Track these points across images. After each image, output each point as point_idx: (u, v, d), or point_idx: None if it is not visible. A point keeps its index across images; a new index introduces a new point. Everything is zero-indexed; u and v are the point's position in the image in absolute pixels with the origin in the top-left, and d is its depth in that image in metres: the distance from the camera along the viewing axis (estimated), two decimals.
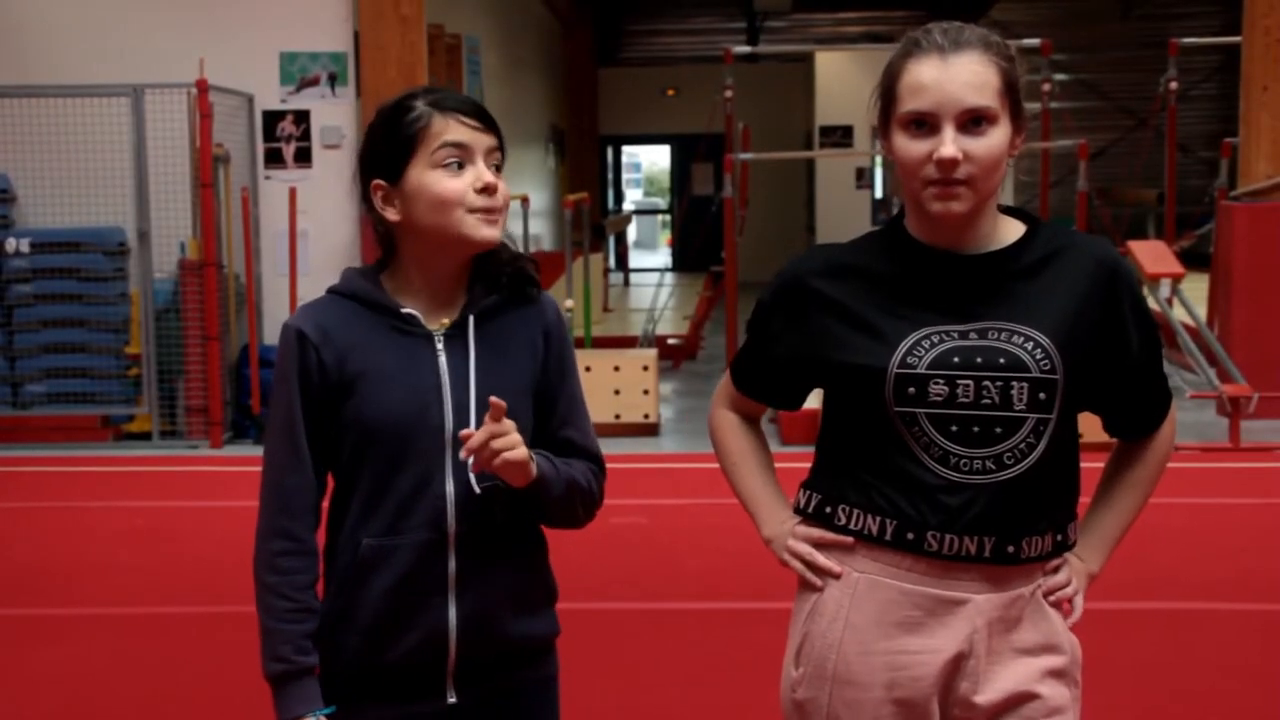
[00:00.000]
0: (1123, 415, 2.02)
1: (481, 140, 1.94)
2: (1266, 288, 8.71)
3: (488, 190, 1.92)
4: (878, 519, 1.92)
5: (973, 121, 1.84)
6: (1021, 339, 1.87)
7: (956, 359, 1.87)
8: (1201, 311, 9.69)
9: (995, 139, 1.85)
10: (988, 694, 1.92)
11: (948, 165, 1.84)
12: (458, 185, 1.92)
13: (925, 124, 1.86)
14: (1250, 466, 7.47)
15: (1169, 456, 2.07)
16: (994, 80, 1.86)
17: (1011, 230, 1.96)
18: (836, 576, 1.95)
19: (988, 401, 1.86)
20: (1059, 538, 1.96)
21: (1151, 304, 9.39)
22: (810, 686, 1.98)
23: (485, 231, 1.93)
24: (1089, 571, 2.02)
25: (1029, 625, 1.94)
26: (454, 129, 1.93)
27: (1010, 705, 1.93)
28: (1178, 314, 9.40)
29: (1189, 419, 8.60)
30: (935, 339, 1.89)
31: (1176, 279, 9.20)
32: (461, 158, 1.93)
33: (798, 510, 2.04)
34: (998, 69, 1.86)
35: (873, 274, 1.95)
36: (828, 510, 1.97)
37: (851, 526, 1.94)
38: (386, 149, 1.96)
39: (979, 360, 1.87)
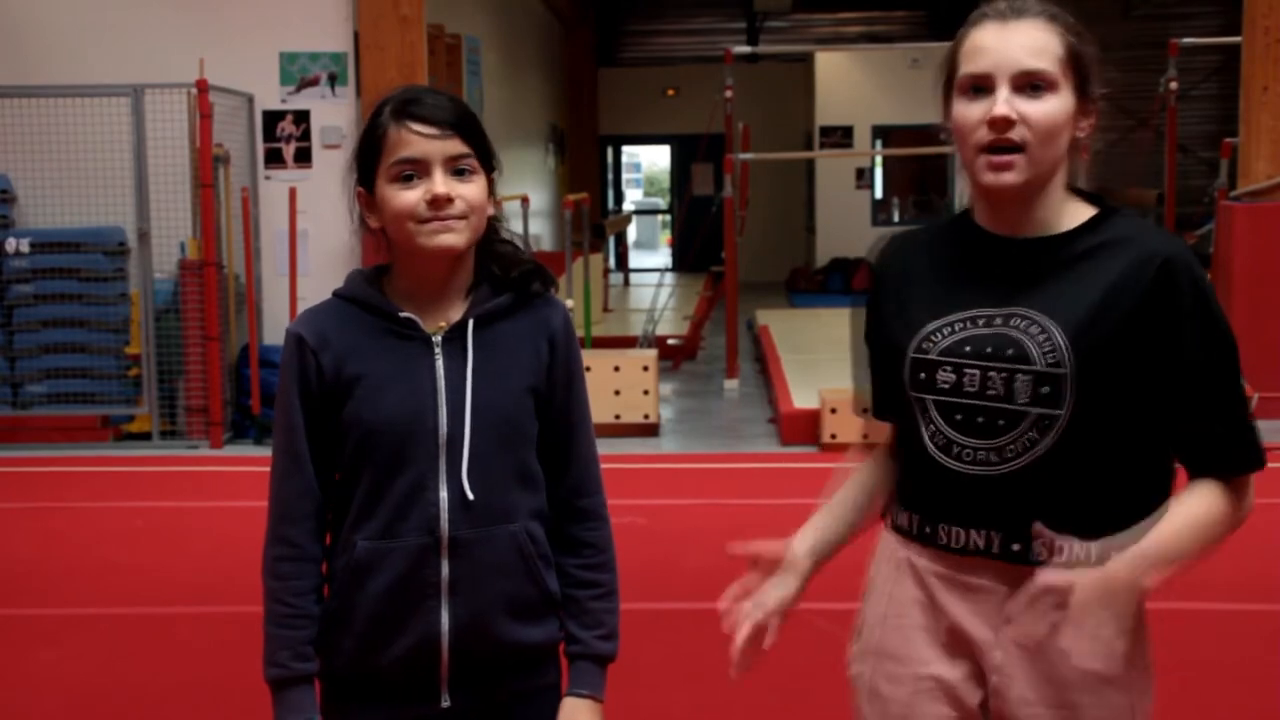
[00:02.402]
0: (1182, 432, 1.83)
1: (438, 149, 1.91)
2: (1266, 288, 8.71)
3: (436, 202, 1.90)
4: (906, 514, 1.96)
5: (1030, 86, 1.81)
6: (1036, 329, 1.82)
7: (969, 347, 1.85)
8: None
9: (1053, 106, 1.81)
10: (1019, 690, 1.87)
11: (1000, 124, 1.80)
12: (409, 199, 1.91)
13: (983, 88, 1.83)
14: None
15: (1238, 517, 1.83)
16: (1055, 48, 1.82)
17: (1079, 217, 1.89)
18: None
19: (993, 392, 1.83)
20: None
21: None
22: (859, 661, 2.01)
23: (440, 240, 1.91)
24: (1111, 574, 1.72)
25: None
26: (406, 142, 1.91)
27: (1045, 708, 1.86)
28: None
29: None
30: (959, 325, 1.87)
31: None
32: (414, 170, 1.91)
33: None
34: (1061, 39, 1.83)
35: (929, 257, 1.95)
36: (892, 509, 2.00)
37: (897, 523, 1.98)
38: (360, 158, 1.97)
39: (989, 350, 1.84)
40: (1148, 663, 1.91)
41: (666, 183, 24.98)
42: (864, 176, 18.94)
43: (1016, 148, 1.81)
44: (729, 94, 10.81)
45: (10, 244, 8.38)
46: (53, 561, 5.83)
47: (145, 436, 8.44)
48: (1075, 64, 1.84)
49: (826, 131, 18.49)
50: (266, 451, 7.56)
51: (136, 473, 7.76)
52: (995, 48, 1.83)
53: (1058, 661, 1.83)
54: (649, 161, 28.81)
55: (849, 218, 18.38)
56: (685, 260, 17.62)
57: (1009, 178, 1.82)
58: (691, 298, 14.34)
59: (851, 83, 18.22)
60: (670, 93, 20.84)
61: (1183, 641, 4.66)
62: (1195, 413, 1.82)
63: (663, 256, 22.23)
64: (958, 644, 1.91)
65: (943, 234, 1.98)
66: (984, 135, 1.82)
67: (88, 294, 8.44)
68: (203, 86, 8.09)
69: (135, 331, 8.46)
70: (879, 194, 19.22)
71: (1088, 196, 1.92)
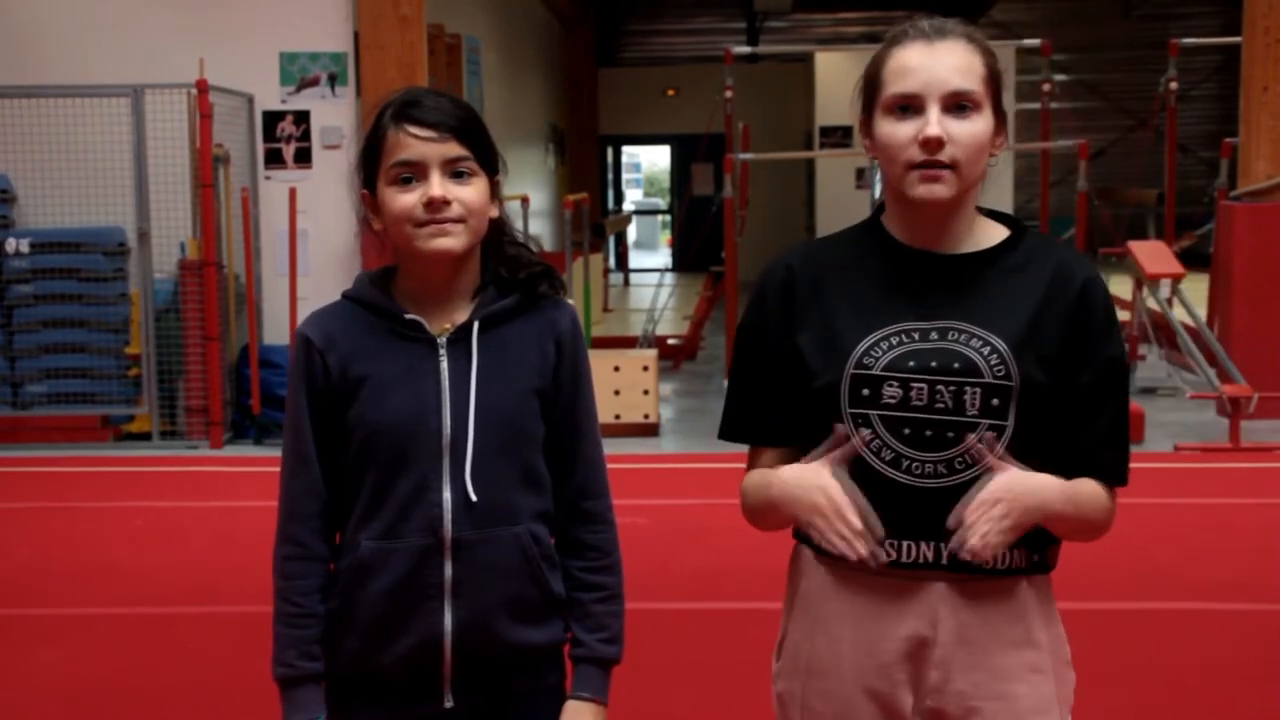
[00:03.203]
0: (1077, 443, 1.88)
1: (435, 151, 1.91)
2: (1266, 288, 8.71)
3: (432, 205, 1.90)
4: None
5: (958, 106, 1.85)
6: (979, 343, 1.86)
7: (912, 362, 1.86)
8: (1201, 311, 9.69)
9: (979, 125, 1.86)
10: (960, 684, 1.89)
11: (933, 144, 1.83)
12: (406, 202, 1.91)
13: (910, 108, 1.86)
14: (1250, 466, 7.47)
15: (1104, 521, 1.92)
16: (978, 68, 1.87)
17: (993, 234, 1.95)
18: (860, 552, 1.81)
19: (941, 405, 1.84)
20: (1035, 557, 1.91)
21: (1151, 304, 9.42)
22: (787, 678, 2.00)
23: (436, 243, 1.92)
24: (1030, 479, 1.82)
25: (1005, 617, 1.90)
26: (404, 144, 1.91)
27: (984, 700, 1.89)
28: (1178, 314, 9.41)
29: (1189, 419, 8.60)
30: (895, 340, 1.87)
31: (1176, 279, 9.21)
32: (412, 173, 1.92)
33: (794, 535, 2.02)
34: (982, 59, 1.88)
35: (847, 270, 1.95)
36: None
37: (822, 545, 1.91)
38: (363, 161, 1.98)
39: (934, 364, 1.85)
40: (1069, 659, 1.98)
41: (666, 183, 24.98)
42: (864, 176, 18.93)
43: (947, 166, 1.84)
44: (729, 94, 10.82)
45: (10, 244, 8.38)
46: (53, 561, 5.83)
47: (145, 436, 8.44)
48: (993, 85, 1.89)
49: (826, 131, 18.48)
50: (266, 452, 7.57)
51: (136, 473, 7.76)
52: (924, 67, 1.86)
53: (995, 653, 1.89)
54: (649, 161, 28.81)
55: (849, 218, 17.87)
56: (685, 260, 17.63)
57: (940, 190, 1.85)
58: (691, 298, 14.33)
59: (851, 83, 17.87)
60: (670, 93, 20.84)
61: (1183, 641, 4.66)
62: (1093, 428, 1.90)
63: (663, 256, 22.23)
64: (895, 651, 1.91)
65: (852, 245, 1.99)
66: (916, 155, 1.85)
67: (88, 294, 8.44)
68: (203, 86, 8.10)
69: (135, 331, 8.46)
70: (878, 194, 19.21)
71: (993, 214, 1.97)
